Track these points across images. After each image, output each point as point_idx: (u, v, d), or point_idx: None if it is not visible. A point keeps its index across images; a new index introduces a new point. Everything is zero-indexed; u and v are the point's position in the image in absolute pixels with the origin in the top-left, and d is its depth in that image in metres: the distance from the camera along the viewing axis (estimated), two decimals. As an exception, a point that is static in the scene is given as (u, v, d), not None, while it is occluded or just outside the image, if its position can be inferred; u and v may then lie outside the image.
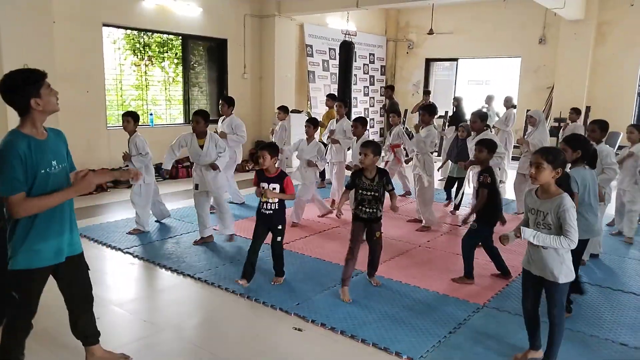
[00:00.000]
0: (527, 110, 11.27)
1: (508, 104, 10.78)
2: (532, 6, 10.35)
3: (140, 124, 9.11)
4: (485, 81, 14.16)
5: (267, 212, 4.26)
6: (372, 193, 4.10)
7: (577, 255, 3.36)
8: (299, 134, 7.63)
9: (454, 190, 7.13)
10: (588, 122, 10.81)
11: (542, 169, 2.89)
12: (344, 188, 4.42)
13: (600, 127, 4.96)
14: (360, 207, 4.14)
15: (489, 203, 4.38)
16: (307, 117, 7.62)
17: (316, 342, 3.54)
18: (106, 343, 3.19)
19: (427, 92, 11.96)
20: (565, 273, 2.97)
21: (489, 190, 4.35)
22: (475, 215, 4.47)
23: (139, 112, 9.32)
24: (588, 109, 11.14)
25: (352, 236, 4.21)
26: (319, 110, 11.54)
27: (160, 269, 4.84)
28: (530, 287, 3.15)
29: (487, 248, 4.61)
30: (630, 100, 10.73)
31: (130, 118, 5.62)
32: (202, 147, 5.30)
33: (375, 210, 4.14)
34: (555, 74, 11.82)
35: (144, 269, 4.88)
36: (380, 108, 14.20)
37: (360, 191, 4.14)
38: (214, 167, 5.30)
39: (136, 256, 5.13)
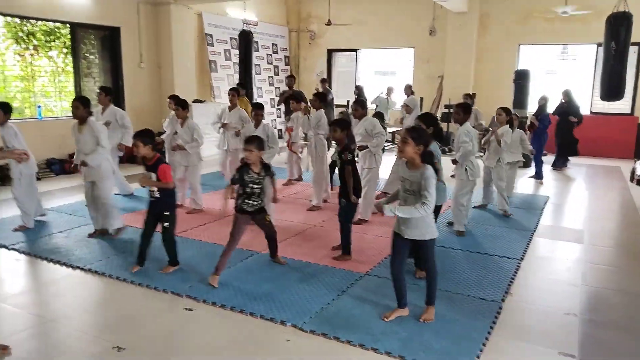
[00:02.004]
0: (421, 98, 12.09)
1: (408, 91, 11.51)
2: (421, -1, 11.01)
3: (28, 117, 8.65)
4: (390, 72, 14.81)
5: (152, 199, 4.32)
6: (259, 186, 4.21)
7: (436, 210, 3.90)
8: (201, 124, 7.53)
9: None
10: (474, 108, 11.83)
11: (407, 144, 3.32)
12: (230, 182, 4.36)
13: (464, 110, 5.51)
14: (246, 200, 4.21)
15: (346, 180, 4.64)
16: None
17: (206, 319, 3.68)
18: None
19: (323, 80, 12.40)
20: (430, 232, 3.44)
21: (352, 167, 4.66)
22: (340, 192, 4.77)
23: (25, 105, 8.85)
24: (474, 95, 12.07)
25: (234, 229, 4.24)
26: (223, 100, 11.50)
27: (48, 262, 4.71)
28: (399, 249, 3.55)
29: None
30: (509, 86, 11.75)
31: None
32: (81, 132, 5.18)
33: (260, 202, 4.28)
34: (444, 64, 12.66)
35: (31, 264, 4.73)
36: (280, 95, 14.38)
37: (249, 185, 4.17)
38: (84, 164, 5.17)
39: (22, 252, 4.95)
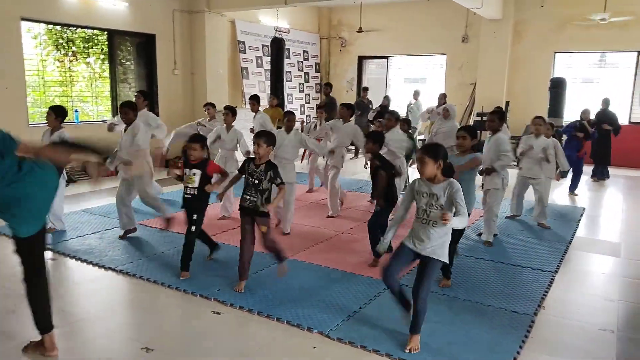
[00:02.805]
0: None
1: (442, 100, 11.38)
2: (454, 6, 10.89)
3: (65, 121, 8.90)
4: (420, 79, 14.70)
5: (187, 196, 4.41)
6: (257, 181, 4.05)
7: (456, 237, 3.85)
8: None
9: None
10: (508, 116, 11.63)
11: (426, 164, 3.22)
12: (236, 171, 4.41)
13: (499, 117, 5.38)
14: (244, 194, 4.12)
15: (388, 185, 4.71)
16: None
17: (234, 323, 3.69)
18: (19, 333, 3.20)
19: (364, 89, 12.44)
20: (444, 253, 3.27)
21: (386, 173, 4.69)
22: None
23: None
24: (507, 103, 11.87)
25: (241, 233, 4.19)
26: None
27: (81, 263, 4.82)
28: (403, 261, 3.39)
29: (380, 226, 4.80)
30: (544, 94, 11.49)
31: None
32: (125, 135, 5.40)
33: (256, 199, 4.04)
34: (477, 71, 12.49)
35: (65, 264, 4.85)
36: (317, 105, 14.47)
37: (247, 176, 4.13)
38: (127, 162, 5.35)
39: (57, 252, 5.07)
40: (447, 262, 3.34)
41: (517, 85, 12.33)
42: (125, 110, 5.38)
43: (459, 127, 6.61)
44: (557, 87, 10.70)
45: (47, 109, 5.64)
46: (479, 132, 10.96)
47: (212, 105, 7.89)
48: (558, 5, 11.62)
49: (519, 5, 11.95)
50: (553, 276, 4.70)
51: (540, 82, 11.77)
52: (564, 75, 11.18)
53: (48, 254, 5.00)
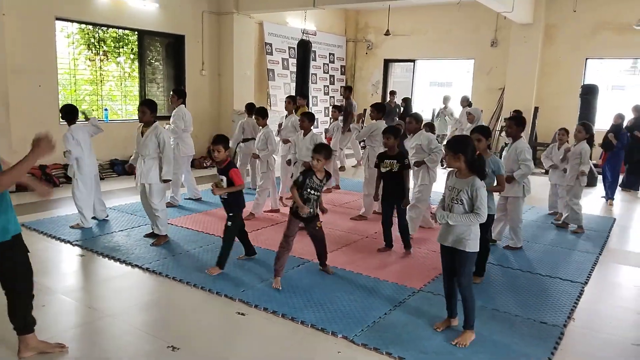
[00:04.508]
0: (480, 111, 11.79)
1: (464, 103, 11.28)
2: (484, 10, 10.77)
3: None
4: (446, 83, 14.57)
5: (222, 198, 4.57)
6: (318, 194, 4.27)
7: (484, 228, 3.80)
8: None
9: None
10: (537, 122, 11.43)
11: (448, 157, 3.35)
12: (293, 184, 4.42)
13: (516, 124, 5.26)
14: (304, 205, 4.22)
15: (405, 183, 4.91)
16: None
17: (258, 325, 3.69)
18: (48, 328, 3.26)
19: (392, 93, 12.39)
20: (473, 244, 3.34)
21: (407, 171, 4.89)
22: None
23: (93, 108, 9.29)
24: (536, 109, 11.66)
25: (288, 229, 4.30)
26: (279, 108, 11.66)
27: (109, 260, 4.89)
28: (445, 259, 3.50)
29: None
30: (574, 101, 11.26)
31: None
32: (143, 136, 5.25)
33: (314, 209, 4.31)
34: (506, 76, 12.30)
35: (93, 260, 4.92)
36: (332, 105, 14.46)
37: (308, 190, 4.21)
38: (131, 167, 5.50)
39: (85, 248, 5.16)
40: (476, 250, 3.38)
41: (547, 91, 12.11)
42: (143, 109, 5.15)
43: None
44: (588, 94, 10.44)
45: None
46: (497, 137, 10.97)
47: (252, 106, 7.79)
48: (591, 10, 11.38)
49: (551, 9, 11.75)
50: (583, 287, 4.58)
51: (571, 89, 11.54)
52: (594, 82, 10.93)
53: (77, 250, 5.11)
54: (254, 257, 4.93)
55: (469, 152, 3.31)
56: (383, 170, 5.05)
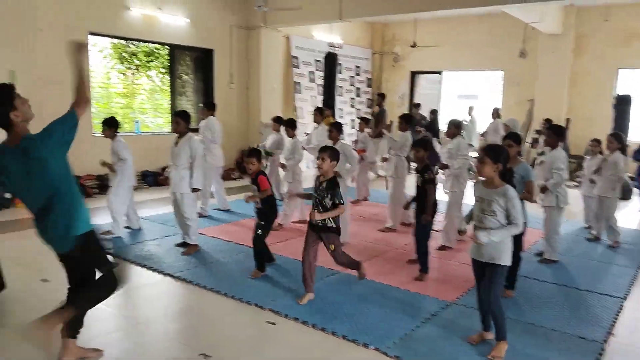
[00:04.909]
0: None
1: (495, 115, 11.18)
2: (511, 20, 10.67)
3: (127, 131, 9.25)
4: (473, 95, 14.45)
5: (256, 208, 4.65)
6: (318, 198, 4.04)
7: (517, 239, 3.73)
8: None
9: None
10: (568, 134, 11.20)
11: (485, 164, 3.23)
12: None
13: (554, 133, 5.23)
14: (312, 209, 4.10)
15: (428, 198, 4.67)
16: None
17: (288, 334, 3.67)
18: (81, 334, 3.29)
19: (416, 105, 12.33)
20: (505, 257, 3.27)
21: (433, 185, 4.66)
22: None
23: (125, 121, 9.49)
24: (568, 121, 11.43)
25: (304, 242, 4.18)
26: (306, 120, 11.73)
27: (141, 268, 4.95)
28: (478, 273, 3.43)
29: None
30: (606, 111, 11.01)
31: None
32: (177, 145, 5.34)
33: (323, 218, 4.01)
34: (535, 87, 12.12)
35: (124, 269, 4.97)
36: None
37: (316, 193, 4.12)
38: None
39: (117, 256, 5.22)
40: (508, 264, 3.30)
41: (578, 102, 11.87)
42: (177, 120, 5.29)
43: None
44: (622, 104, 10.21)
45: (102, 122, 5.88)
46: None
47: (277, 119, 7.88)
48: (623, 19, 11.16)
49: (581, 19, 11.56)
50: (622, 302, 4.43)
51: (602, 99, 11.31)
52: (627, 92, 10.66)
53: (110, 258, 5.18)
54: (273, 262, 5.02)
55: (504, 161, 3.26)
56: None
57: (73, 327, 3.10)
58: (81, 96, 2.92)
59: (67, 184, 2.87)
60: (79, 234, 2.86)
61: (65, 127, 2.82)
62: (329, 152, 4.05)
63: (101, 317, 3.88)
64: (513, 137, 4.46)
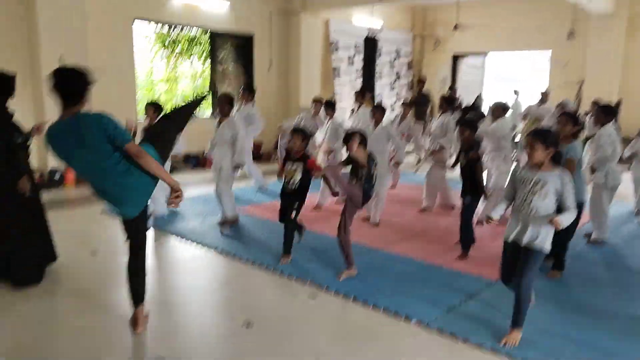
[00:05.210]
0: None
1: (545, 97, 10.78)
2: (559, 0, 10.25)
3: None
4: (514, 79, 14.04)
5: (290, 190, 4.46)
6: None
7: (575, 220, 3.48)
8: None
9: None
10: (619, 116, 10.69)
11: (535, 149, 3.07)
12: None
13: (602, 111, 5.13)
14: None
15: (477, 177, 4.55)
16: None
17: (329, 306, 3.68)
18: (124, 305, 3.39)
19: (451, 88, 12.08)
20: (547, 244, 3.12)
21: (479, 164, 4.56)
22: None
23: (168, 105, 9.69)
24: (619, 102, 10.92)
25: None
26: (344, 105, 11.68)
27: (185, 241, 5.10)
28: (511, 259, 3.26)
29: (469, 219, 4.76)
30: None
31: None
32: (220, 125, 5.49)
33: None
34: (585, 69, 11.63)
35: (168, 243, 5.11)
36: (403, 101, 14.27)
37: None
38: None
39: (161, 231, 5.37)
40: (548, 251, 3.16)
41: (631, 84, 11.33)
42: (221, 104, 5.47)
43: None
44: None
45: (146, 105, 5.96)
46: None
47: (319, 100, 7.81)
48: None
49: (635, -2, 11.00)
50: (678, 284, 4.22)
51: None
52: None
53: (152, 234, 5.32)
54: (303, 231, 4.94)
55: (555, 145, 3.10)
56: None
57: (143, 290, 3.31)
58: (148, 161, 3.05)
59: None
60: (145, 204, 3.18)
61: (116, 132, 2.97)
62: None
63: (147, 287, 3.99)
64: (570, 116, 4.29)
